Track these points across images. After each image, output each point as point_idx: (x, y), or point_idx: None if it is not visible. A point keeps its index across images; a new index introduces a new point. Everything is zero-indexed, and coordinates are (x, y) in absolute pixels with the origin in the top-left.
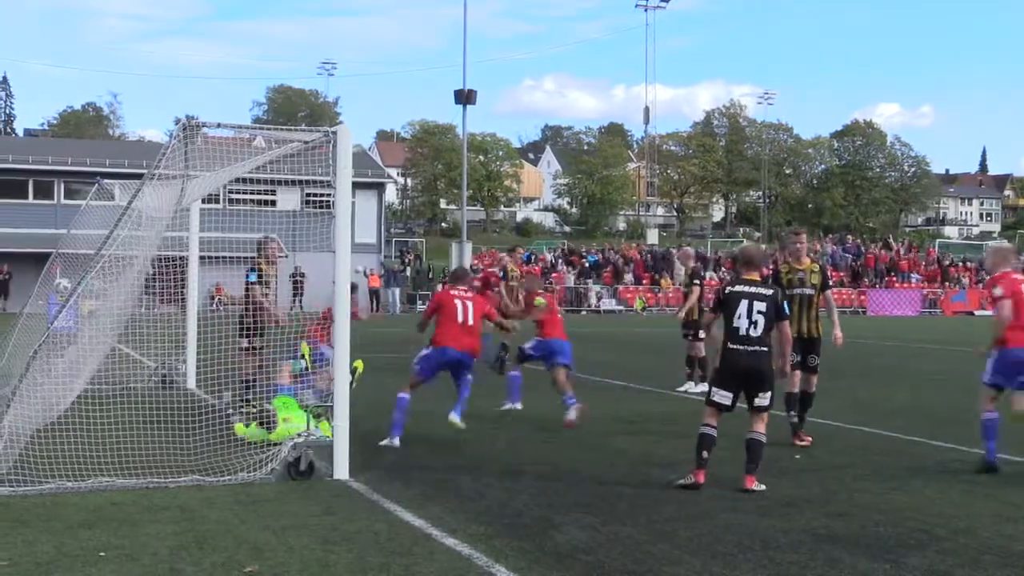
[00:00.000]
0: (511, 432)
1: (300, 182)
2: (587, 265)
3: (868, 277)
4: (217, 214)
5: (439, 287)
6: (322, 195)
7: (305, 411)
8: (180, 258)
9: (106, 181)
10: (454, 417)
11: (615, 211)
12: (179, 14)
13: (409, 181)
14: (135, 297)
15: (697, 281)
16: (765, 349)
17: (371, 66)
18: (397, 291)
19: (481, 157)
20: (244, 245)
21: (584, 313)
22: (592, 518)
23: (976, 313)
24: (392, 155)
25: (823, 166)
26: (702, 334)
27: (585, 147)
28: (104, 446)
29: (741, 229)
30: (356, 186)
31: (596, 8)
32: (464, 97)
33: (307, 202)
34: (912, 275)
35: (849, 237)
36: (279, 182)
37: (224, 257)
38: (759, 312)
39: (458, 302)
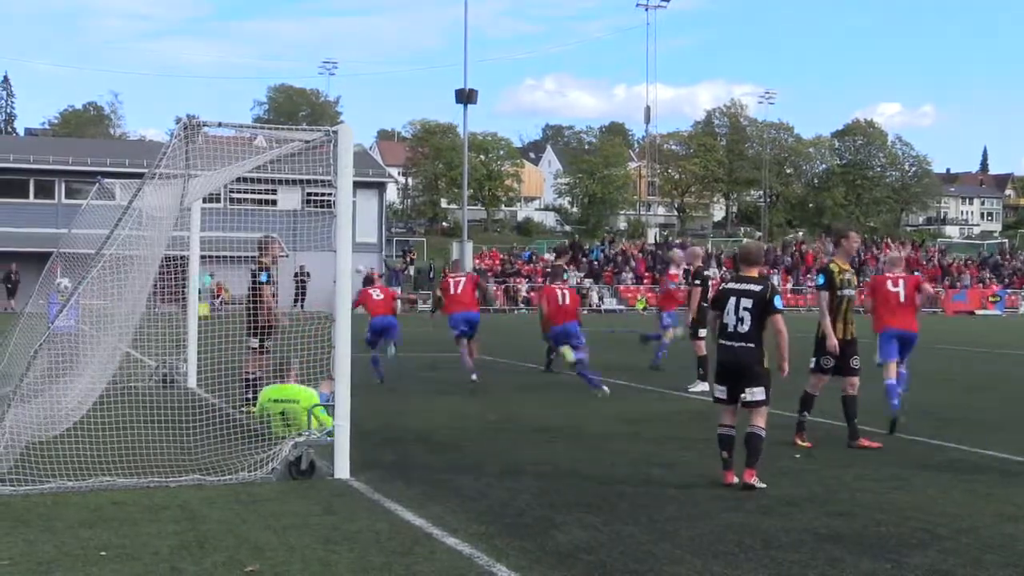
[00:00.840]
0: (512, 432)
1: (301, 181)
2: (593, 263)
3: (868, 276)
4: (218, 213)
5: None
6: (323, 194)
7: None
8: (181, 257)
9: (107, 180)
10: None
11: (616, 210)
12: (180, 14)
13: (410, 180)
14: (144, 299)
15: (698, 281)
16: (751, 345)
17: (372, 65)
18: (399, 290)
19: (482, 156)
20: (245, 245)
21: (585, 313)
22: (593, 517)
23: (977, 313)
24: (393, 154)
25: (824, 165)
26: (702, 332)
27: (586, 147)
28: (105, 445)
29: (742, 228)
30: (357, 185)
31: (597, 8)
32: (465, 96)
33: (308, 201)
34: (914, 273)
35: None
36: (280, 181)
37: (225, 257)
38: (745, 309)
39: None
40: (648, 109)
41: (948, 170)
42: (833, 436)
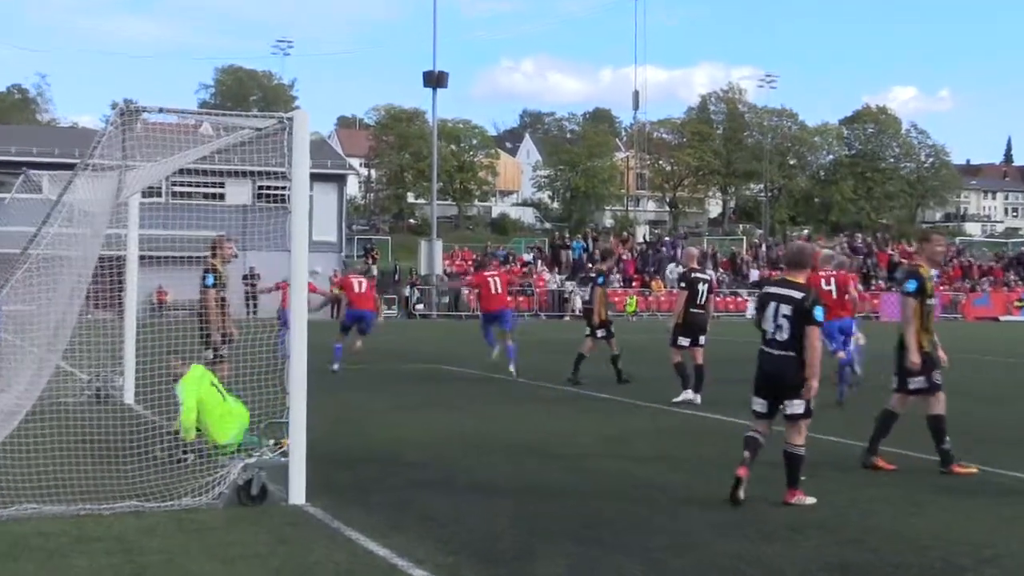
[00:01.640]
0: (487, 449)
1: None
2: (572, 259)
3: (880, 279)
4: (159, 209)
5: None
6: (276, 188)
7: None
8: (117, 258)
9: (33, 172)
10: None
11: (601, 206)
12: None
13: (373, 172)
14: (77, 305)
15: (684, 284)
16: (791, 354)
17: (331, 45)
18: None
19: (453, 146)
20: (189, 244)
21: (567, 319)
22: (577, 546)
23: (1001, 319)
24: (354, 144)
25: (831, 156)
26: (682, 341)
27: (568, 135)
28: (30, 469)
29: (741, 226)
30: (314, 178)
31: None
32: (434, 80)
33: (259, 196)
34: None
35: (859, 235)
36: (228, 174)
37: (167, 258)
38: (784, 316)
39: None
40: (637, 94)
41: (968, 161)
42: (843, 454)
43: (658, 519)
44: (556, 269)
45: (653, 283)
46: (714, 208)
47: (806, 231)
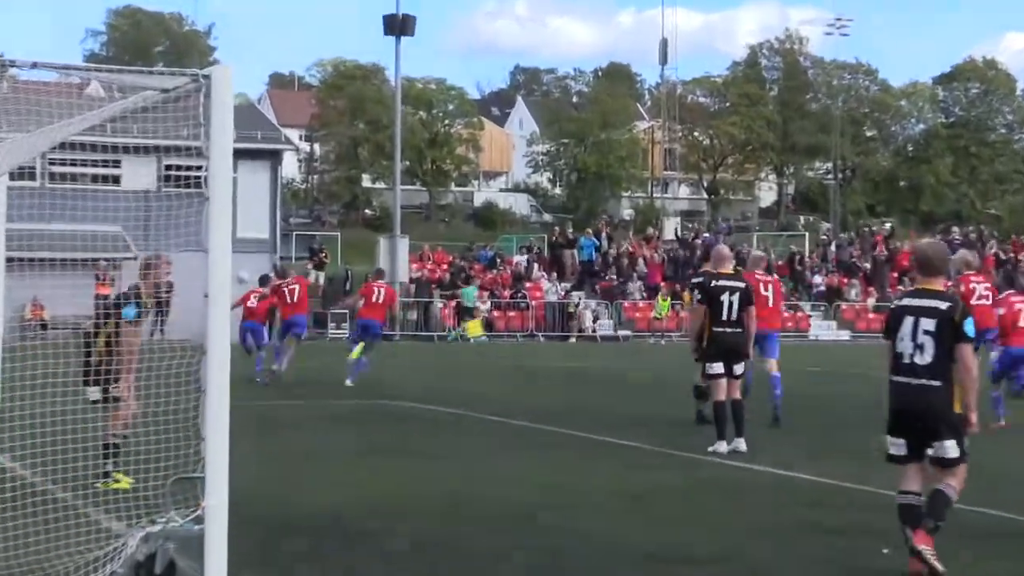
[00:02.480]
0: (472, 511)
1: (157, 149)
2: (580, 262)
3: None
4: (33, 196)
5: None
6: (189, 168)
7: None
8: None
9: None
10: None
11: (618, 192)
12: None
13: (317, 148)
14: None
15: (701, 295)
16: (936, 383)
17: None
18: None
19: (422, 114)
20: (73, 243)
21: (573, 341)
22: None
23: None
24: (293, 110)
25: (922, 126)
26: (714, 367)
27: (574, 99)
28: None
29: (802, 218)
30: (240, 155)
31: None
32: (398, 26)
33: (167, 178)
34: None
35: (956, 229)
36: (126, 149)
37: (44, 260)
38: (925, 332)
39: None
40: (664, 44)
41: None
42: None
43: None
44: (557, 275)
45: (686, 294)
46: (767, 195)
47: (888, 224)
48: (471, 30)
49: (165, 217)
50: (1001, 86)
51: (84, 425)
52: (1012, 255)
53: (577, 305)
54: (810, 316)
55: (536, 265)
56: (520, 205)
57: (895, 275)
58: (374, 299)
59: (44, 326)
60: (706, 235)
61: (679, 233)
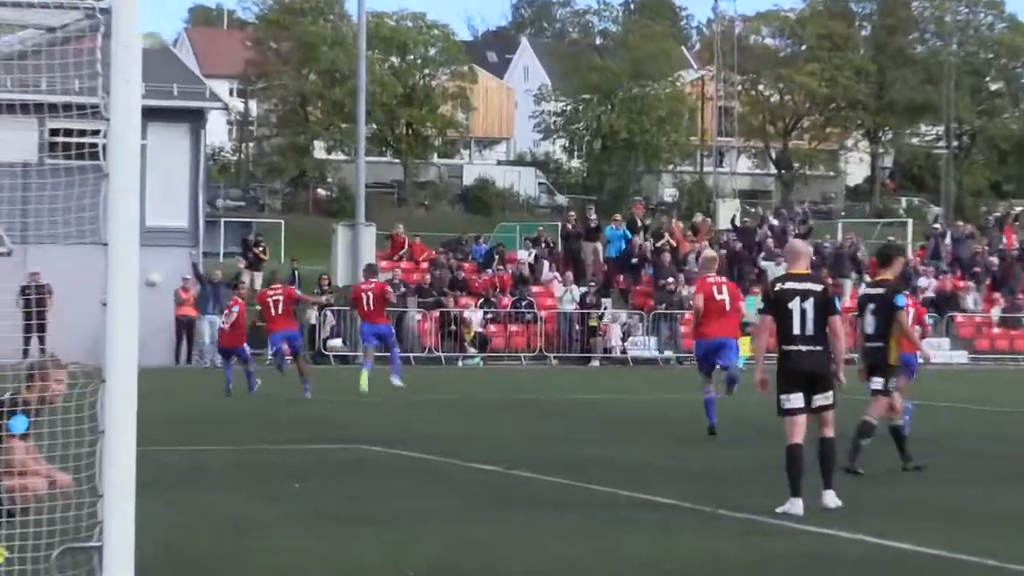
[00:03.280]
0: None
1: (38, 108)
2: (605, 259)
3: None
4: None
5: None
6: (82, 133)
7: None
8: None
9: None
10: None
11: (656, 164)
12: None
13: (254, 106)
14: None
15: (765, 303)
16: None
17: None
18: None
19: (395, 60)
20: None
21: (596, 364)
22: None
23: None
24: (221, 56)
25: None
26: (792, 400)
27: (598, 41)
28: None
29: (904, 199)
30: (151, 115)
31: None
32: None
33: (52, 146)
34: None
35: None
36: None
37: None
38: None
39: None
40: None
41: None
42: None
43: None
44: (575, 276)
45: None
46: (856, 169)
47: (1019, 208)
48: None
49: (49, 199)
50: None
51: None
52: None
53: (601, 317)
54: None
55: (547, 263)
56: (525, 183)
57: None
58: (366, 305)
59: None
60: (774, 222)
61: (737, 220)
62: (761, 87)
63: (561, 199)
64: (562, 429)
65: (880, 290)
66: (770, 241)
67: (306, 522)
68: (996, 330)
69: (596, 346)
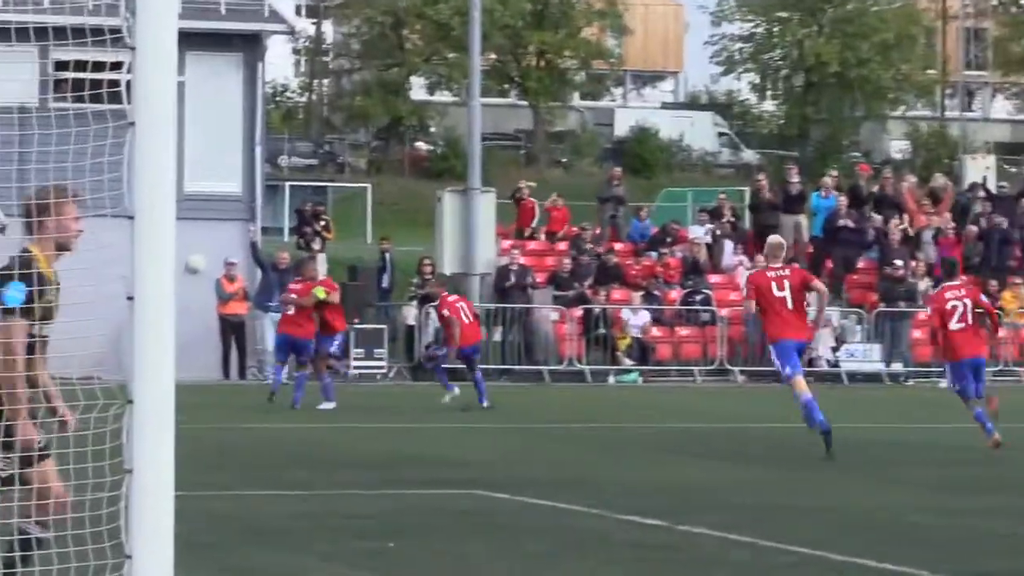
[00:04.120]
0: None
1: (40, 34)
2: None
3: None
4: None
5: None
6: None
7: None
8: None
9: None
10: None
11: (879, 109)
12: None
13: (329, 29)
14: None
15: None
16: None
17: None
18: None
19: None
20: None
21: (775, 385)
22: None
23: None
24: None
25: None
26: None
27: None
28: None
29: None
30: (192, 43)
31: None
32: None
33: (58, 85)
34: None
35: None
36: None
37: None
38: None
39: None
40: None
41: None
42: None
43: None
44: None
45: (1007, 292)
46: None
47: None
48: None
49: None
50: None
51: None
52: None
53: (832, 326)
54: None
55: (730, 243)
56: (699, 133)
57: None
58: (464, 319)
59: None
60: None
61: (992, 184)
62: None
63: (749, 155)
64: (752, 471)
65: None
66: None
67: None
68: None
69: (826, 356)
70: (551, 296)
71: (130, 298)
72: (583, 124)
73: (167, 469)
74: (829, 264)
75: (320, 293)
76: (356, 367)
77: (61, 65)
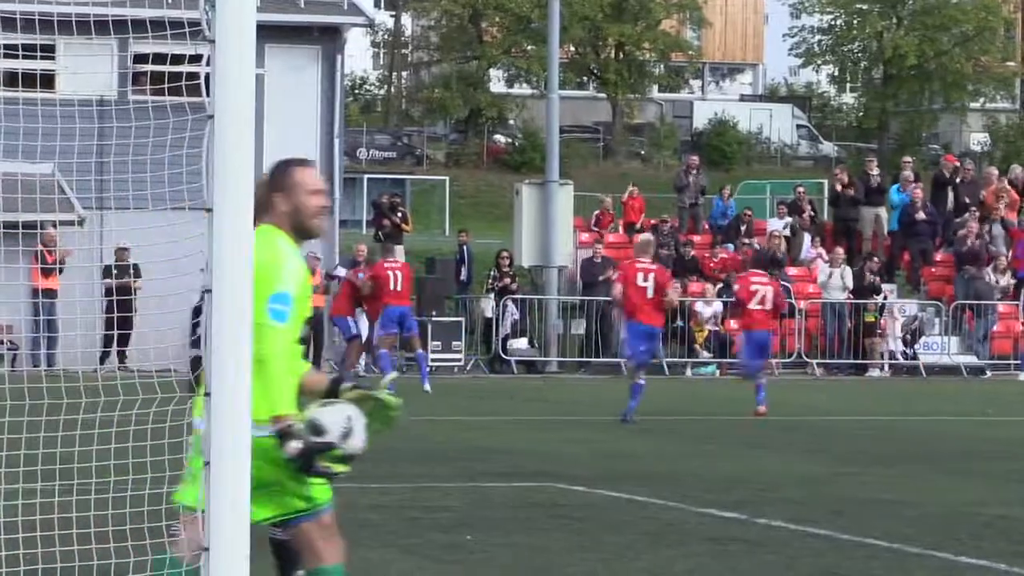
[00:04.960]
0: None
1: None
2: (889, 233)
3: None
4: None
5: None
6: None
7: None
8: None
9: None
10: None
11: (960, 98)
12: None
13: (408, 22)
14: None
15: None
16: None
17: None
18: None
19: None
20: None
21: (877, 374)
22: None
23: None
24: None
25: None
26: None
27: None
28: None
29: None
30: (271, 35)
31: None
32: None
33: (137, 78)
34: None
35: None
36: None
37: None
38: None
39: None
40: None
41: None
42: None
43: None
44: (848, 254)
45: None
46: None
47: None
48: None
49: (134, 148)
50: None
51: None
52: None
53: (882, 309)
54: None
55: (809, 237)
56: (778, 125)
57: None
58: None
59: None
60: None
61: None
62: None
63: (828, 147)
64: (829, 464)
65: None
66: None
67: None
68: None
69: (874, 349)
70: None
71: (208, 291)
72: (661, 117)
73: (243, 462)
74: (907, 256)
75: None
76: (433, 359)
77: (140, 58)
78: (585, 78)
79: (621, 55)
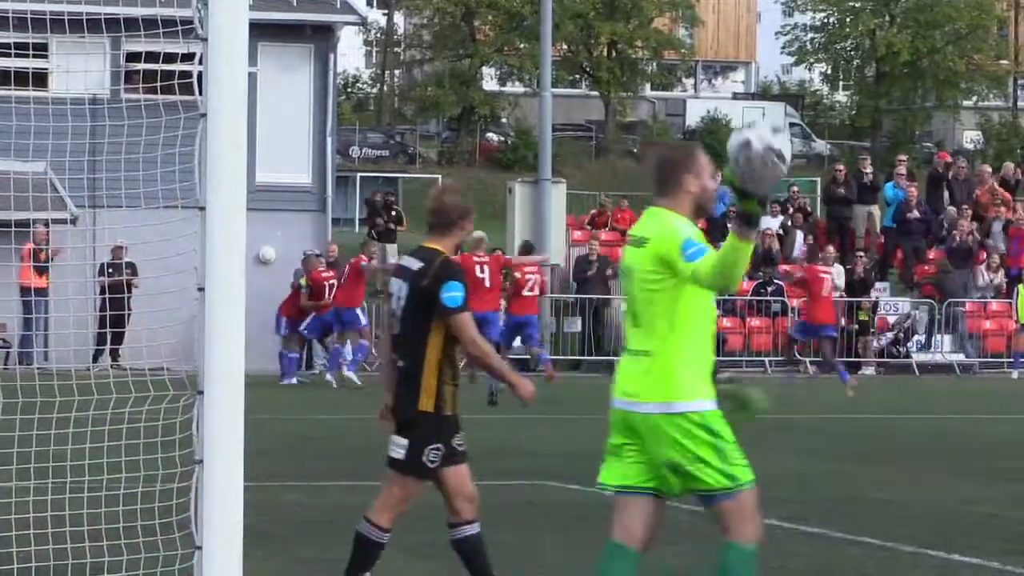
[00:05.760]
0: None
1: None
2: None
3: None
4: None
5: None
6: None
7: None
8: None
9: None
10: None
11: (951, 99)
12: None
13: (400, 19)
14: None
15: None
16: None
17: None
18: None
19: None
20: None
21: (871, 372)
22: None
23: None
24: None
25: None
26: None
27: None
28: None
29: None
30: (264, 34)
31: None
32: None
33: (129, 77)
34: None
35: None
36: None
37: None
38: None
39: None
40: None
41: None
42: None
43: None
44: (841, 252)
45: None
46: None
47: None
48: None
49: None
50: None
51: None
52: None
53: (876, 307)
54: None
55: (802, 235)
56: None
57: None
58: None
59: None
60: None
61: None
62: None
63: (821, 145)
64: (823, 463)
65: None
66: None
67: None
68: None
69: (868, 347)
70: (619, 286)
71: (201, 289)
72: (654, 115)
73: (236, 460)
74: (900, 255)
75: None
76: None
77: (133, 56)
78: (578, 76)
79: (614, 53)
